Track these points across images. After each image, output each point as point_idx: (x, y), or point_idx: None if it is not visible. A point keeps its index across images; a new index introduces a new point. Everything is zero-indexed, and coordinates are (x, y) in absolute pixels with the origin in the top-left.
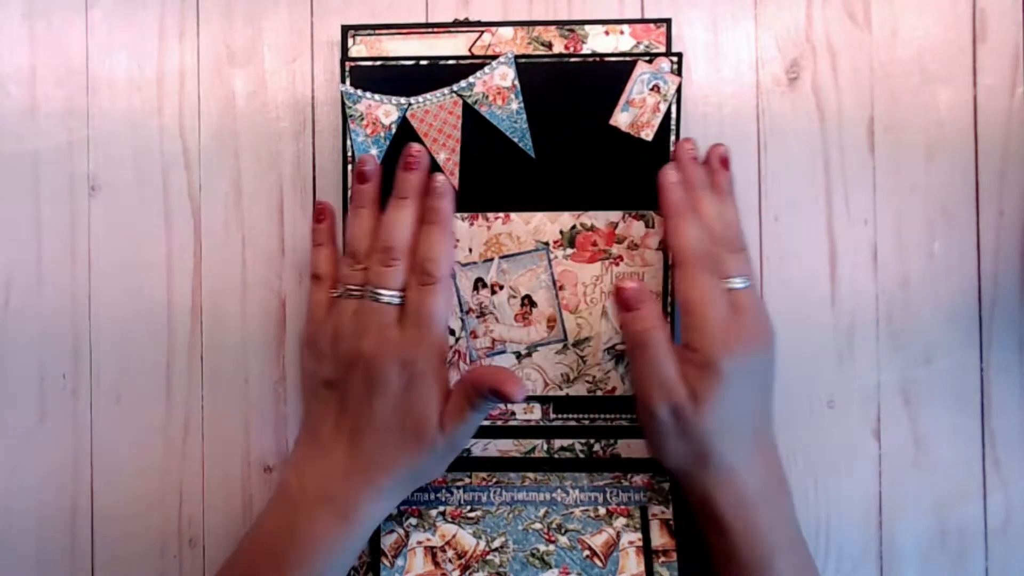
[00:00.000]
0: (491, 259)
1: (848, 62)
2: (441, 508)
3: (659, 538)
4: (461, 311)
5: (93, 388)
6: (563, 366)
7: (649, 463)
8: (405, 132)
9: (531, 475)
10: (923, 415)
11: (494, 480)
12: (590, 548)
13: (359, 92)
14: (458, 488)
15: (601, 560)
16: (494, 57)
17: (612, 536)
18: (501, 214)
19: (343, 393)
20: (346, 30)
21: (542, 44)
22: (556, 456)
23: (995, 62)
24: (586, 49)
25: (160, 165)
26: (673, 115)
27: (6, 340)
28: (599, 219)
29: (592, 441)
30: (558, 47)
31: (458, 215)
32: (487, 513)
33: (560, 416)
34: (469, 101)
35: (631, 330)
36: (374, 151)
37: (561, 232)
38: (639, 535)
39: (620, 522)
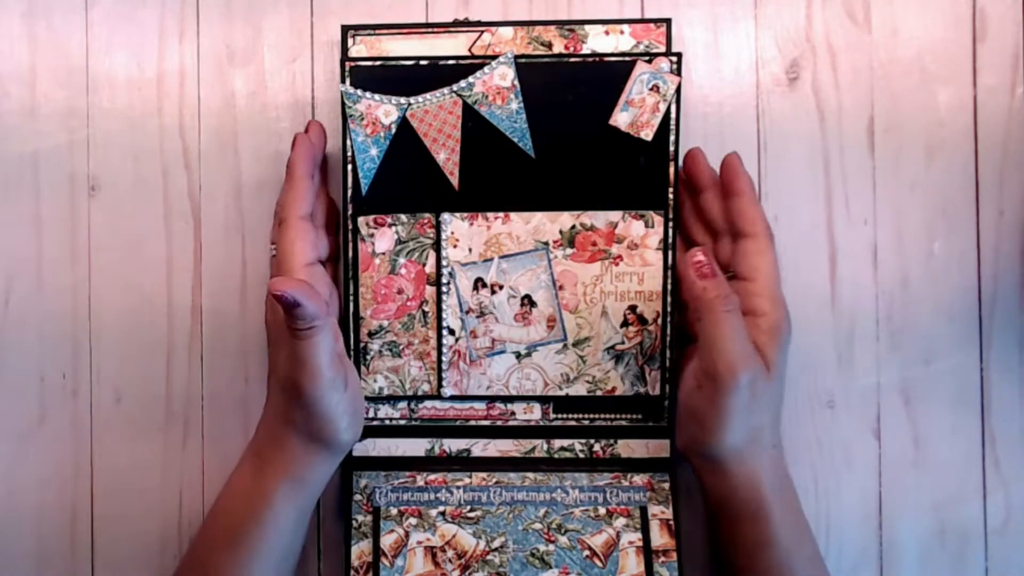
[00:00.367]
0: (491, 259)
1: (848, 62)
2: (441, 508)
3: (659, 538)
4: (461, 311)
5: (93, 388)
6: (563, 366)
7: (650, 463)
8: (405, 132)
9: (531, 475)
10: (923, 415)
11: (494, 480)
12: (590, 548)
13: (359, 92)
14: (458, 488)
15: (601, 560)
16: (494, 57)
17: (612, 536)
18: (501, 214)
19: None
20: (346, 30)
21: (542, 44)
22: (556, 456)
23: (995, 62)
24: (586, 49)
25: (160, 165)
26: (672, 115)
27: (6, 340)
28: (599, 219)
29: (592, 441)
30: (558, 47)
31: (458, 214)
32: (487, 513)
33: (560, 416)
34: (469, 101)
35: (711, 296)
36: (374, 151)
37: (561, 232)
38: (639, 535)
39: (620, 522)
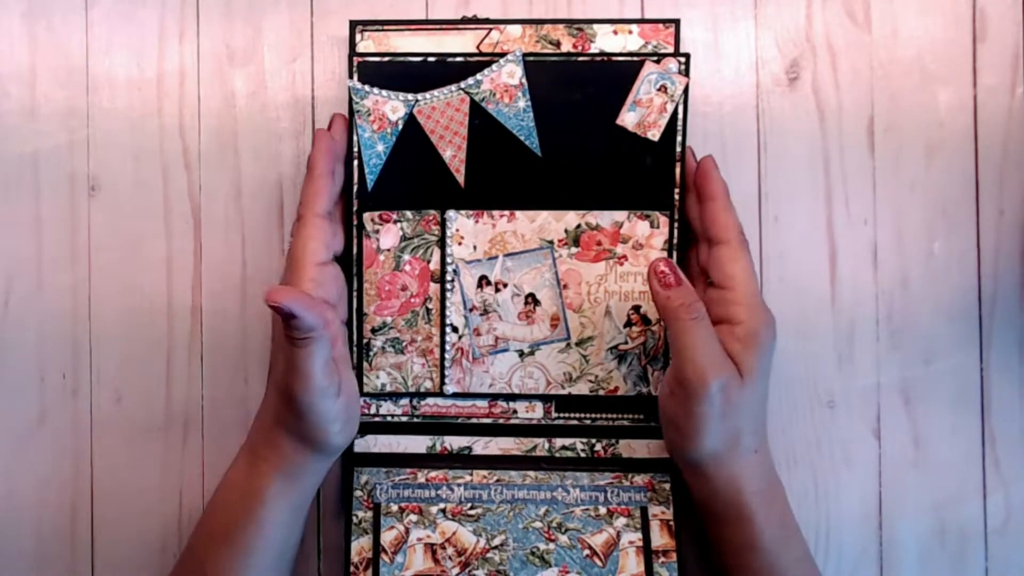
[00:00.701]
0: (495, 257)
1: (848, 62)
2: (441, 505)
3: (659, 538)
4: (465, 308)
5: (93, 388)
6: (565, 365)
7: (650, 463)
8: (412, 128)
9: (532, 474)
10: (923, 415)
11: (495, 478)
12: (590, 547)
13: (366, 88)
14: (459, 485)
15: (601, 560)
16: (502, 55)
17: (612, 536)
18: (506, 212)
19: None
20: (354, 25)
21: (550, 43)
22: (557, 455)
23: (995, 62)
24: (594, 48)
25: (160, 165)
26: (680, 116)
27: (6, 340)
28: (604, 218)
29: (593, 440)
30: (566, 46)
31: (463, 212)
32: (487, 511)
33: (562, 415)
34: (476, 98)
35: (676, 304)
36: (380, 147)
37: (566, 231)
38: (639, 535)
39: (620, 522)
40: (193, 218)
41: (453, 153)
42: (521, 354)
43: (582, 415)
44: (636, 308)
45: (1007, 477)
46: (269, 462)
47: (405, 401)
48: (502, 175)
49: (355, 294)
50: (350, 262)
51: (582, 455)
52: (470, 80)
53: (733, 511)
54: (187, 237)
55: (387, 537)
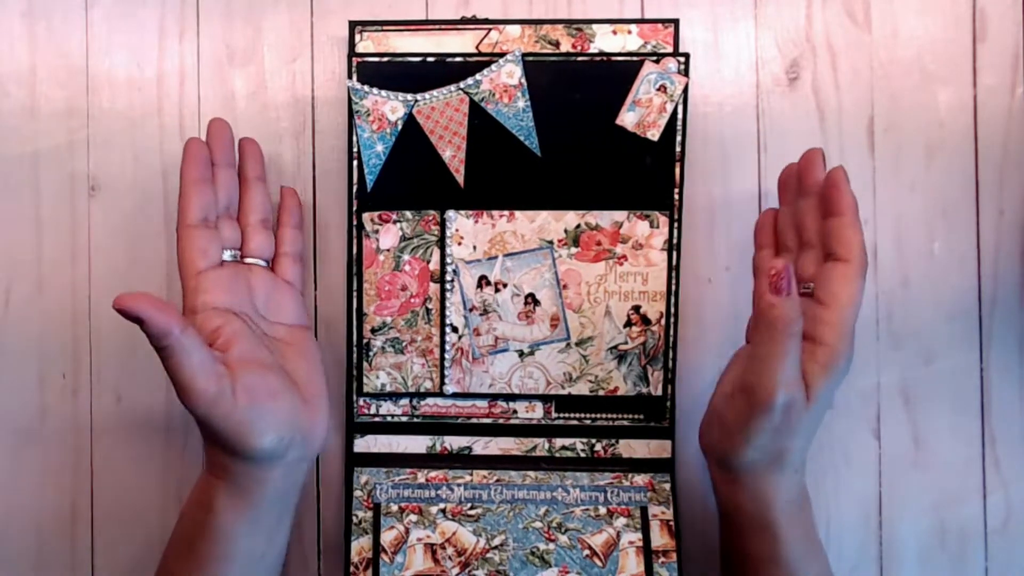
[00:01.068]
0: (495, 257)
1: (848, 62)
2: (441, 505)
3: (659, 538)
4: (464, 308)
5: (93, 388)
6: (565, 365)
7: (650, 463)
8: (411, 128)
9: (532, 474)
10: (923, 415)
11: (495, 478)
12: (590, 547)
13: (366, 88)
14: (459, 485)
15: (601, 560)
16: (501, 55)
17: (612, 536)
18: (506, 212)
19: None
20: (353, 25)
21: (549, 43)
22: (557, 455)
23: (995, 62)
24: (593, 48)
25: (160, 165)
26: (679, 115)
27: (6, 340)
28: (604, 218)
29: (593, 440)
30: (565, 46)
31: (463, 212)
32: (487, 511)
33: (562, 415)
34: (476, 98)
35: (778, 314)
36: (380, 147)
37: (565, 231)
38: (639, 535)
39: (620, 522)
40: None
41: (453, 153)
42: (521, 354)
43: (582, 415)
44: (636, 308)
45: (1007, 477)
46: (217, 475)
47: (405, 401)
48: (502, 175)
49: (355, 294)
50: (349, 262)
51: (582, 455)
52: (469, 80)
53: (759, 522)
54: None
55: (387, 537)
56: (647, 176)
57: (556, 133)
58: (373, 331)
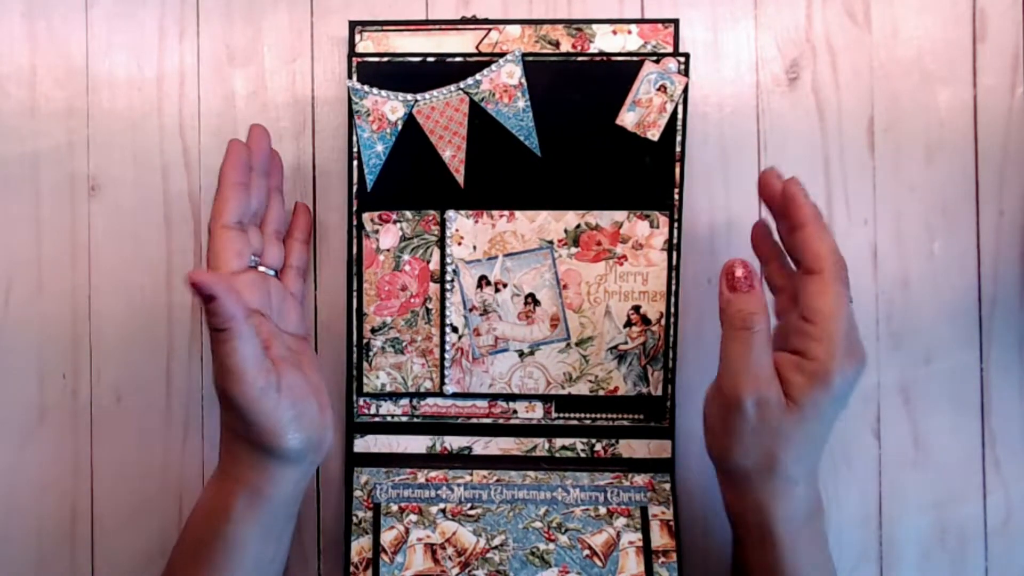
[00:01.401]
0: (495, 257)
1: (848, 62)
2: (441, 505)
3: (659, 538)
4: (464, 308)
5: (93, 388)
6: (565, 365)
7: (650, 463)
8: (411, 128)
9: (532, 474)
10: (923, 415)
11: (495, 478)
12: (590, 547)
13: (366, 88)
14: (459, 485)
15: (601, 560)
16: (501, 55)
17: (612, 536)
18: (506, 212)
19: None
20: (353, 25)
21: (549, 43)
22: (557, 455)
23: (995, 62)
24: (593, 48)
25: (160, 165)
26: (679, 115)
27: (6, 340)
28: (604, 218)
29: (593, 440)
30: (565, 46)
31: (463, 212)
32: (487, 511)
33: (562, 415)
34: (476, 98)
35: (735, 309)
36: (380, 147)
37: (565, 231)
38: (639, 535)
39: (620, 522)
40: (193, 218)
41: (453, 153)
42: (521, 354)
43: (582, 415)
44: (636, 308)
45: (1007, 477)
46: (234, 478)
47: (405, 401)
48: (502, 175)
49: (355, 294)
50: (349, 262)
51: (582, 455)
52: (469, 80)
53: (760, 533)
54: (187, 237)
55: (387, 537)
56: (647, 176)
57: (556, 133)
58: (373, 331)
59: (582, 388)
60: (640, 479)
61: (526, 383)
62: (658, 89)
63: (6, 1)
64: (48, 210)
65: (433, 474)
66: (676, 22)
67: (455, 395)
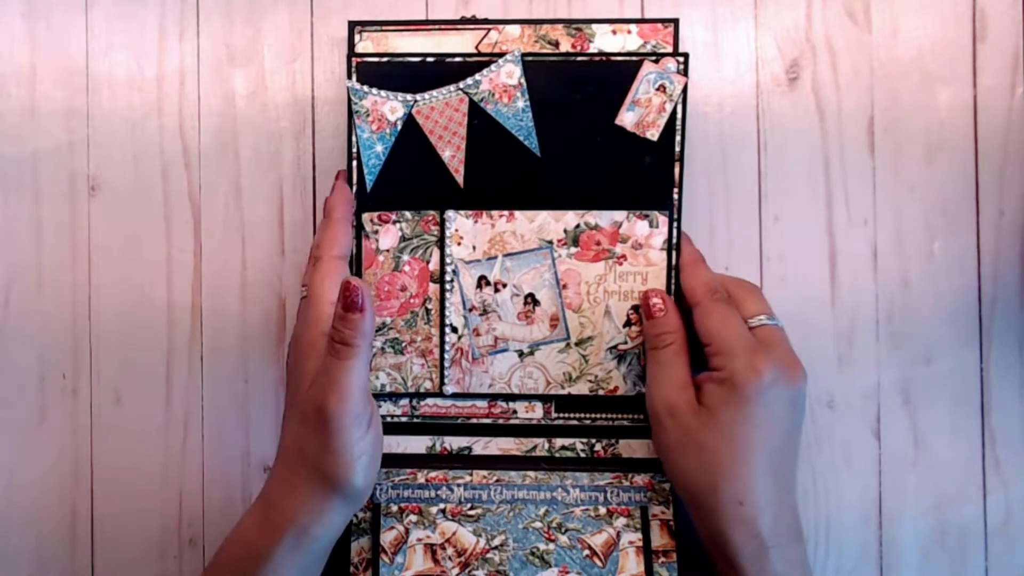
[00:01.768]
0: (494, 257)
1: (848, 62)
2: (441, 505)
3: (659, 538)
4: (464, 308)
5: (93, 388)
6: (565, 365)
7: (650, 463)
8: (410, 129)
9: (532, 474)
10: (923, 415)
11: (495, 478)
12: (590, 547)
13: (365, 88)
14: (458, 486)
15: (601, 560)
16: (501, 55)
17: (612, 536)
18: (505, 212)
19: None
20: (353, 26)
21: (549, 43)
22: (557, 455)
23: (995, 62)
24: (593, 48)
25: (160, 165)
26: (679, 115)
27: (6, 340)
28: (603, 218)
29: (593, 440)
30: (565, 46)
31: (462, 212)
32: (487, 511)
33: (561, 415)
34: (475, 98)
35: (649, 333)
36: (379, 148)
37: (565, 231)
38: (639, 535)
39: (620, 522)
40: (193, 218)
41: (452, 153)
42: (521, 354)
43: (582, 415)
44: (635, 308)
45: (1007, 477)
46: (283, 514)
47: (405, 401)
48: (501, 175)
49: None
50: (349, 263)
51: (582, 455)
52: (469, 80)
53: (723, 557)
54: (187, 237)
55: (387, 537)
56: (646, 176)
57: (555, 133)
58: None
59: (582, 388)
60: (640, 479)
61: (526, 383)
62: (657, 89)
63: (6, 1)
64: (48, 210)
65: (433, 474)
66: (676, 22)
67: (455, 395)
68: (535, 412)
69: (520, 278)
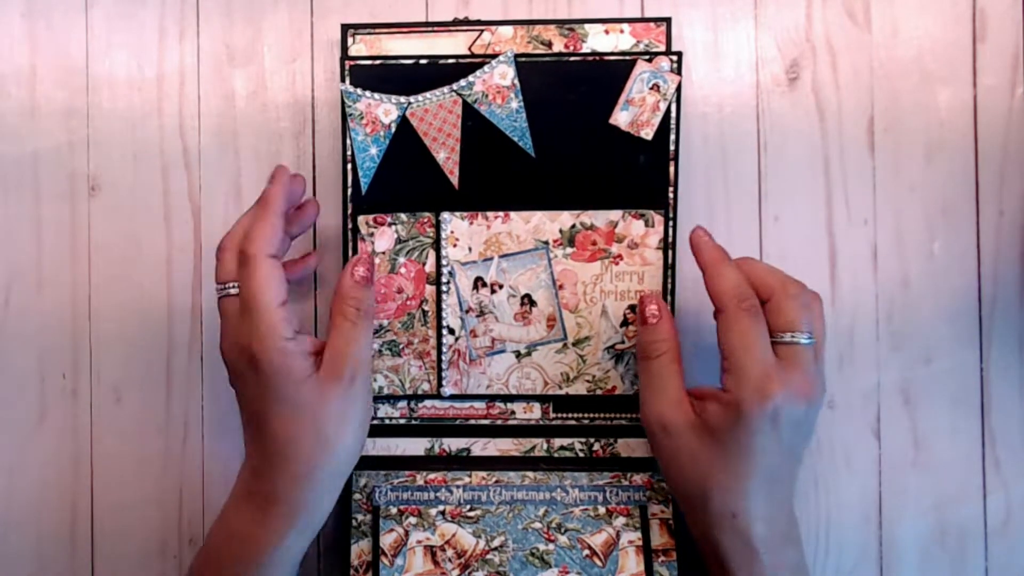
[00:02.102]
0: (490, 258)
1: (848, 62)
2: (441, 507)
3: (659, 537)
4: (461, 310)
5: (93, 388)
6: (563, 365)
7: (650, 463)
8: (405, 131)
9: (531, 474)
10: (923, 415)
11: (494, 479)
12: (590, 547)
13: (359, 91)
14: (458, 487)
15: (601, 559)
16: (494, 56)
17: (612, 535)
18: (501, 213)
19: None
20: (346, 29)
21: (542, 43)
22: (556, 455)
23: (995, 62)
24: (586, 48)
25: (160, 165)
26: (673, 114)
27: (6, 340)
28: (599, 218)
29: (592, 440)
30: (558, 46)
31: (457, 214)
32: (487, 512)
33: (560, 415)
34: (469, 100)
35: (641, 340)
36: (374, 150)
37: (561, 231)
38: (639, 534)
39: (620, 521)
40: (193, 218)
41: (447, 155)
42: (518, 355)
43: (580, 415)
44: (632, 307)
45: (1007, 477)
46: (266, 502)
47: (403, 403)
48: (496, 176)
49: None
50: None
51: (580, 455)
52: (462, 82)
53: (716, 563)
54: (187, 237)
55: (387, 540)
56: (641, 175)
57: (550, 133)
58: None
59: (580, 388)
60: (639, 478)
61: (523, 384)
62: (651, 88)
63: (6, 1)
64: (48, 210)
65: (432, 476)
66: (668, 20)
67: (453, 397)
68: (533, 413)
69: (516, 279)
